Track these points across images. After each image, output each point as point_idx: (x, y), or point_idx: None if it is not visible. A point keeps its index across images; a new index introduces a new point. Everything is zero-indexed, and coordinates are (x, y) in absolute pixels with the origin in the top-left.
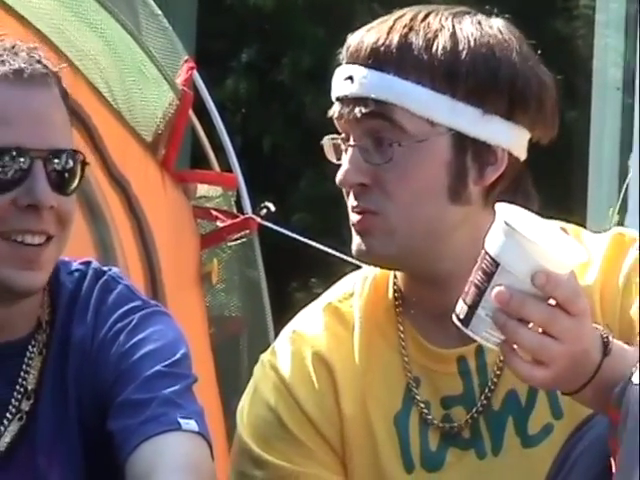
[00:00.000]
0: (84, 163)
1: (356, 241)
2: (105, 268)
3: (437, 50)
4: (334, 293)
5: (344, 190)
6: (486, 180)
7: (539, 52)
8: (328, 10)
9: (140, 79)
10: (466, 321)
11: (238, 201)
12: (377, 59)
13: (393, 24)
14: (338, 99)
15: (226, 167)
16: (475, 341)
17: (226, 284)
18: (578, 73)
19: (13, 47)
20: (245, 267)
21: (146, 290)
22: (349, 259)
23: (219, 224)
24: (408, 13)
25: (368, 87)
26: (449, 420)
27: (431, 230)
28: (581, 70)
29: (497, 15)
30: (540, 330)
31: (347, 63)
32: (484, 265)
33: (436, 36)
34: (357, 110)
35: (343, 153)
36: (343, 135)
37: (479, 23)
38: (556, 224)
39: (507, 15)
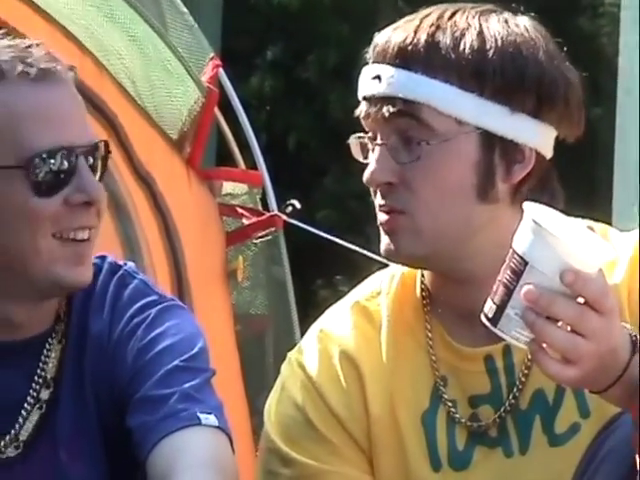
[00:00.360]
0: (108, 152)
1: (384, 241)
2: (120, 263)
3: (464, 49)
4: (361, 291)
5: (371, 189)
6: (514, 178)
7: (564, 50)
8: (353, 8)
9: (166, 77)
10: (495, 320)
11: (263, 198)
12: (404, 58)
13: (420, 23)
14: (365, 98)
15: (251, 164)
16: (503, 340)
17: (251, 282)
18: (603, 71)
19: (29, 47)
20: (271, 264)
21: (172, 288)
22: (374, 256)
23: (245, 221)
24: (435, 12)
25: (396, 86)
26: (476, 419)
27: (459, 229)
28: (606, 68)
29: (523, 13)
30: (569, 329)
31: (374, 62)
32: (512, 264)
33: (463, 35)
34: (385, 109)
35: (370, 152)
36: (370, 134)
37: (506, 21)
38: (583, 222)
39: (533, 13)
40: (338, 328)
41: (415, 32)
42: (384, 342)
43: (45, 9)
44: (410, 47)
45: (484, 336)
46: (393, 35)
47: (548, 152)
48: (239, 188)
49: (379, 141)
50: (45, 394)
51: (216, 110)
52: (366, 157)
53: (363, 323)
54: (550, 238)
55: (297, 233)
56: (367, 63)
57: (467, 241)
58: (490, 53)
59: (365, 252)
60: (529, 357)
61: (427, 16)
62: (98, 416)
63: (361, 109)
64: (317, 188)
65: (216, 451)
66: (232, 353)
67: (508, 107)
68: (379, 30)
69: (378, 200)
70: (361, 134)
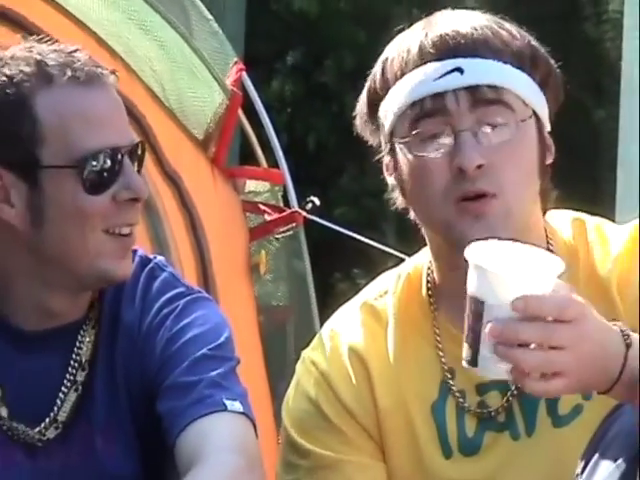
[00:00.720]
0: (144, 151)
1: (471, 225)
2: (150, 256)
3: (521, 41)
4: (370, 292)
5: (438, 179)
6: (550, 158)
7: (571, 54)
8: (368, 15)
9: (192, 80)
10: (474, 362)
11: (285, 196)
12: (480, 49)
13: (471, 20)
14: (438, 94)
15: (273, 163)
16: None
17: (274, 274)
18: (606, 74)
19: (73, 52)
20: (291, 258)
21: (197, 280)
22: (389, 250)
23: (267, 218)
24: (457, 14)
25: (482, 75)
26: (485, 406)
27: (529, 210)
28: (609, 72)
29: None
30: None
31: (440, 59)
32: (472, 307)
33: (504, 28)
34: (471, 99)
35: (447, 140)
36: (426, 128)
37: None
38: (526, 245)
39: (541, 19)
40: (347, 327)
41: (476, 27)
42: (391, 339)
43: (78, 17)
44: (482, 39)
45: None
46: (455, 28)
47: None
48: (261, 186)
49: (464, 127)
50: (81, 376)
51: (240, 112)
52: (438, 147)
53: (371, 322)
54: (493, 275)
55: (316, 229)
56: (401, 71)
57: (531, 220)
58: (535, 45)
59: (381, 246)
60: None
61: (457, 16)
62: (129, 402)
63: (429, 107)
64: (335, 186)
65: (240, 435)
66: (255, 342)
67: (545, 95)
68: (397, 32)
69: (464, 187)
70: (419, 130)
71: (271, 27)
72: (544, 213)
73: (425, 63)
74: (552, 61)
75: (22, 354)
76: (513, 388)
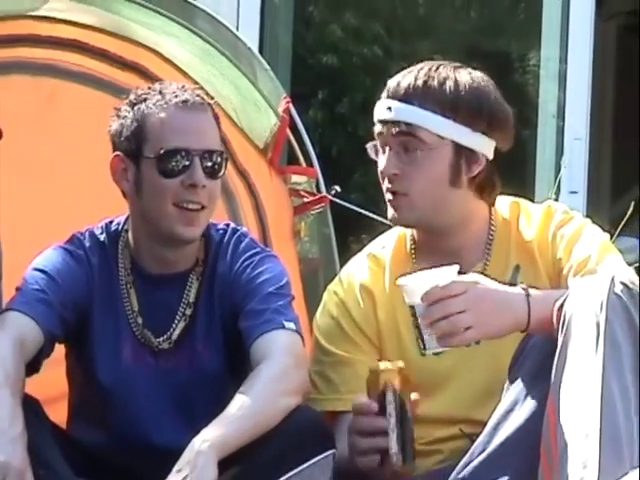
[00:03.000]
0: (226, 160)
1: (390, 212)
2: (238, 228)
3: (446, 91)
4: (374, 246)
5: (381, 178)
6: (472, 173)
7: (503, 93)
8: (371, 66)
9: (256, 110)
10: (425, 347)
11: (317, 185)
12: (407, 96)
13: (417, 73)
14: (380, 121)
15: (309, 164)
16: (465, 272)
17: (309, 238)
18: (529, 107)
19: (183, 86)
20: (321, 227)
21: (260, 242)
22: (385, 221)
23: (305, 200)
24: (426, 66)
25: (401, 114)
26: None
27: (438, 204)
28: (531, 104)
29: (476, 69)
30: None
31: (388, 98)
32: (411, 313)
33: (444, 82)
34: (393, 129)
35: (381, 154)
36: (379, 142)
37: (469, 73)
38: (438, 269)
39: (483, 70)
40: (358, 269)
41: (415, 79)
42: (387, 277)
43: (183, 68)
44: (411, 89)
45: None
46: (401, 81)
47: (490, 156)
48: (302, 179)
49: (388, 148)
50: (188, 311)
51: (288, 131)
52: (377, 156)
53: (374, 265)
54: (409, 288)
55: (338, 207)
56: (380, 98)
57: (444, 210)
58: (462, 94)
59: (380, 219)
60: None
61: (421, 69)
62: (222, 324)
63: (377, 128)
64: (350, 180)
65: (292, 344)
66: (298, 284)
67: (470, 128)
68: (390, 77)
69: (386, 185)
70: (374, 142)
71: (308, 75)
72: (493, 202)
73: (384, 98)
74: (494, 110)
75: (151, 289)
76: None
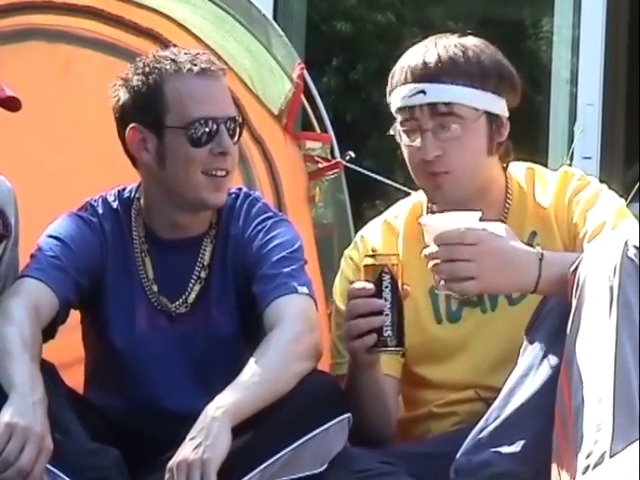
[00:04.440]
0: (243, 125)
1: (434, 192)
2: (251, 192)
3: (471, 62)
4: (388, 214)
5: (415, 162)
6: (502, 137)
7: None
8: (385, 34)
9: (270, 75)
10: (437, 286)
11: (331, 151)
12: (437, 75)
13: (436, 50)
14: (411, 107)
15: (323, 130)
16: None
17: (324, 203)
18: (542, 73)
19: (197, 54)
20: (336, 192)
21: (275, 206)
22: (400, 187)
23: (319, 166)
24: (437, 41)
25: (437, 95)
26: None
27: (477, 175)
28: (544, 71)
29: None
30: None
31: (414, 82)
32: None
33: (464, 53)
34: (430, 111)
35: (413, 138)
36: (408, 127)
37: (475, 40)
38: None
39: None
40: (373, 235)
41: (438, 57)
42: (401, 245)
43: (197, 34)
44: (440, 67)
45: None
46: (425, 61)
47: (507, 115)
48: (316, 145)
49: (427, 128)
50: (203, 274)
51: (302, 96)
52: (413, 140)
53: (388, 233)
54: (429, 227)
55: (352, 173)
56: (395, 84)
57: (478, 181)
58: (485, 62)
59: (394, 184)
60: None
61: (436, 45)
62: (235, 287)
63: (406, 114)
64: (363, 146)
65: (306, 308)
66: (313, 248)
67: (497, 95)
68: (400, 55)
69: (427, 168)
70: (400, 128)
71: (322, 41)
72: (507, 167)
73: (406, 83)
74: (504, 70)
75: (165, 255)
76: None
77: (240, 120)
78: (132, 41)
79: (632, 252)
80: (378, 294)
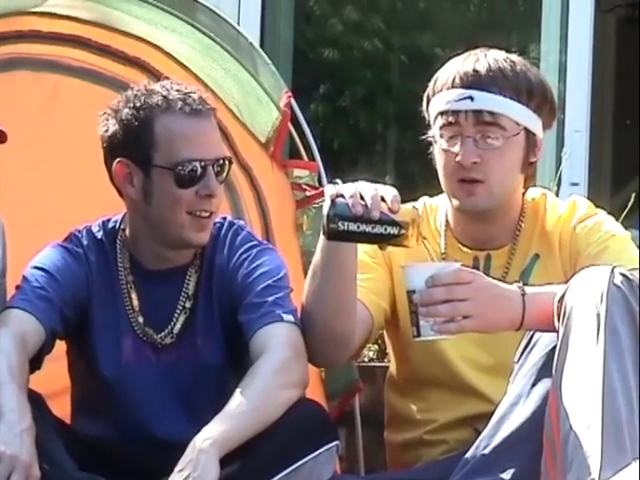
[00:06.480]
0: (230, 162)
1: (464, 199)
2: (235, 220)
3: (519, 77)
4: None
5: (450, 167)
6: (536, 157)
7: None
8: (372, 60)
9: (257, 103)
10: (419, 333)
11: (319, 179)
12: (487, 84)
13: (485, 60)
14: (454, 112)
15: (311, 158)
16: (486, 249)
17: (312, 231)
18: None
19: (186, 89)
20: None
21: (262, 235)
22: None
23: (307, 194)
24: (485, 52)
25: (485, 103)
26: None
27: (509, 190)
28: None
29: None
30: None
31: (462, 87)
32: (409, 299)
33: (513, 68)
34: (475, 118)
35: (457, 142)
36: (447, 132)
37: (526, 62)
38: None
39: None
40: None
41: (489, 66)
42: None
43: (184, 63)
44: (490, 77)
45: (475, 247)
46: (475, 69)
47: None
48: (303, 173)
49: (469, 135)
50: (188, 304)
51: (289, 124)
52: (452, 145)
53: None
54: (413, 269)
55: None
56: (439, 89)
57: (506, 199)
58: (533, 81)
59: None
60: (507, 262)
61: (485, 56)
62: (220, 317)
63: (448, 118)
64: (350, 173)
65: (291, 337)
66: (300, 276)
67: (537, 115)
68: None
69: (462, 174)
70: (435, 133)
71: (309, 69)
72: (525, 192)
73: (453, 88)
74: (548, 92)
75: (150, 285)
76: None
77: (228, 158)
78: (119, 70)
79: (618, 279)
80: None
